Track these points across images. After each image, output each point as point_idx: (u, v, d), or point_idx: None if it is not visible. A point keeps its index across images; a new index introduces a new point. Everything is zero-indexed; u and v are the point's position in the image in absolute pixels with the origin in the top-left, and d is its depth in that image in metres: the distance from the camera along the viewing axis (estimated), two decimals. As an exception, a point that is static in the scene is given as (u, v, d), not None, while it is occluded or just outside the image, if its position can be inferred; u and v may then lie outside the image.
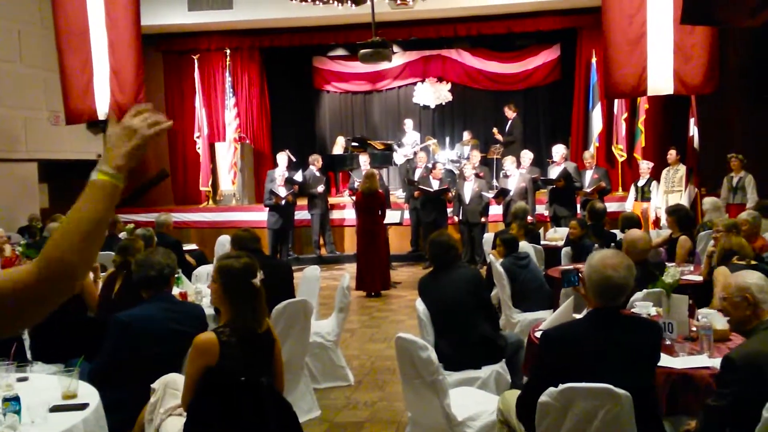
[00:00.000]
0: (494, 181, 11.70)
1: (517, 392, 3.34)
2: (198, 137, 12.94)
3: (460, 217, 10.74)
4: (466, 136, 13.31)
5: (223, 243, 8.55)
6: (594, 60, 12.40)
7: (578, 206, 10.14)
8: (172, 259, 3.74)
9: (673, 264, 5.66)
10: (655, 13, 8.05)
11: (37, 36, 11.28)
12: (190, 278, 6.20)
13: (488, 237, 8.69)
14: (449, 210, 10.92)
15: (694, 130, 9.91)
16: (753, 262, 4.51)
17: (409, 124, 13.68)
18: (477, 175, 10.96)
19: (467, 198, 10.61)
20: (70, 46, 9.40)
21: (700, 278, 5.29)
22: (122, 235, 8.63)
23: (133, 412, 3.29)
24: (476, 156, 11.62)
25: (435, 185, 10.67)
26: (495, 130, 12.92)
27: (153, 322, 3.48)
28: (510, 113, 12.77)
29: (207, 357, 2.78)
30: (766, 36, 10.56)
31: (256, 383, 2.84)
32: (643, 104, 11.81)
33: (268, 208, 10.87)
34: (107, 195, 1.44)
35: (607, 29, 8.45)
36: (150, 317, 3.50)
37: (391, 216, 9.75)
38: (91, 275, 4.72)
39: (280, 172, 11.00)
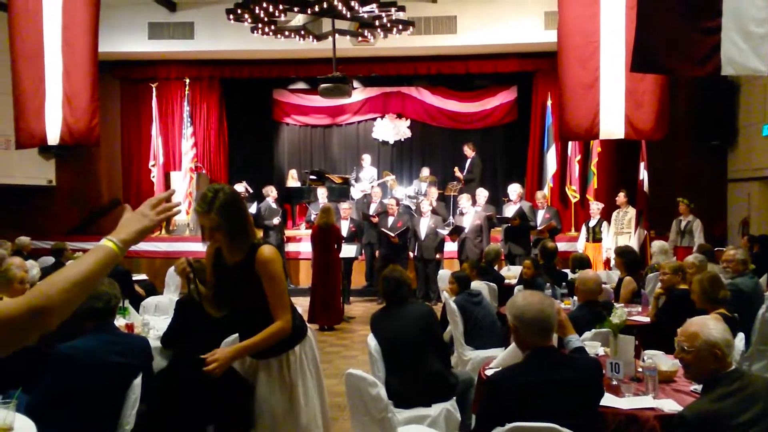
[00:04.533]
0: (450, 218, 11.78)
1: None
2: (153, 166, 12.75)
3: (416, 253, 10.76)
4: (425, 172, 13.40)
5: (174, 274, 8.37)
6: (549, 102, 12.68)
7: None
8: (117, 289, 3.66)
9: (621, 304, 5.76)
10: (608, 60, 8.25)
11: (-9, 58, 11.04)
12: (138, 309, 6.05)
13: (443, 273, 8.71)
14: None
15: (644, 174, 10.16)
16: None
17: (366, 159, 13.74)
18: (433, 212, 11.04)
19: (423, 234, 10.66)
20: (24, 69, 9.20)
21: (647, 319, 5.38)
22: (69, 263, 8.40)
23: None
24: (434, 192, 11.71)
25: (390, 221, 10.70)
26: (456, 168, 13.03)
27: (95, 355, 3.38)
28: (469, 152, 12.92)
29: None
30: (714, 85, 11.00)
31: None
32: (595, 147, 12.10)
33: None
34: (106, 259, 1.66)
35: (562, 73, 8.64)
36: (93, 349, 3.40)
37: (348, 250, 9.74)
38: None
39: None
